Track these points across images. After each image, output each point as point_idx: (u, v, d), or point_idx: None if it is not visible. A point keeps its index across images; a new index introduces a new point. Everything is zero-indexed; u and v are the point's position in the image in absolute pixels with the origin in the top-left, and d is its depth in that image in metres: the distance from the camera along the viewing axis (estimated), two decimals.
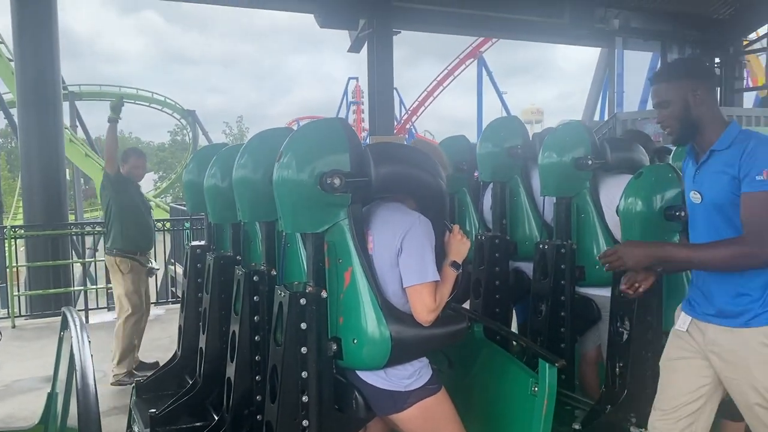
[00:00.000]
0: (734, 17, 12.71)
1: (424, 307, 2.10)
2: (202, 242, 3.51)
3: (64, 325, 2.53)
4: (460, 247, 2.26)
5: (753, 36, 13.99)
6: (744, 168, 2.09)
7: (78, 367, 1.97)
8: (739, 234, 2.11)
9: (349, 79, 42.84)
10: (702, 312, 2.26)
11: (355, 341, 2.11)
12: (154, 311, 7.71)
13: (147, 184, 47.11)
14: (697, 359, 2.26)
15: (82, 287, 8.33)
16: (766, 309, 2.13)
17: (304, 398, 2.14)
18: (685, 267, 2.42)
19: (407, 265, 2.11)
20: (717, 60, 13.22)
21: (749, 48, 14.15)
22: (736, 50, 13.25)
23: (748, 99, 15.63)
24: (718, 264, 2.15)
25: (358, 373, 2.19)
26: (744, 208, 2.09)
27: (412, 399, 2.17)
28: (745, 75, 15.07)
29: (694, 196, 2.27)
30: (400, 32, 10.62)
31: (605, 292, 2.97)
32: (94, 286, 10.17)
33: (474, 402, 2.62)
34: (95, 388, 1.89)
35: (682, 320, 2.33)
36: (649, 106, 16.85)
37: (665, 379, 2.36)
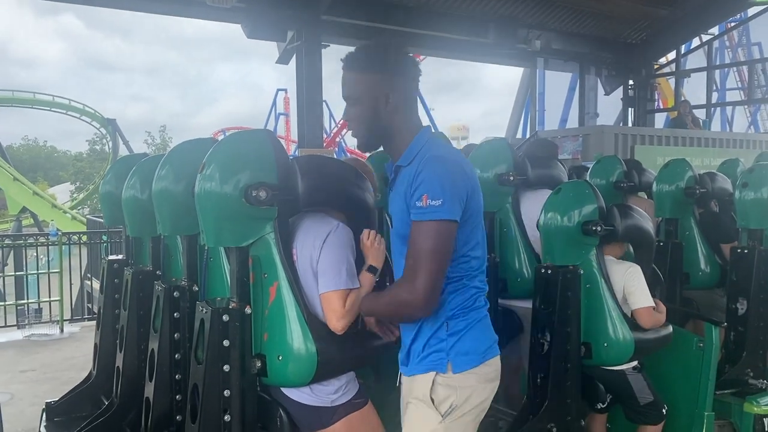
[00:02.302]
0: (646, 42, 13.45)
1: (333, 314, 2.07)
2: (120, 256, 3.38)
3: None
4: (375, 252, 2.23)
5: (663, 60, 14.86)
6: (411, 191, 1.79)
7: None
8: None
9: (278, 90, 42.41)
10: (401, 360, 2.02)
11: (281, 358, 2.08)
12: (68, 328, 7.37)
13: (63, 195, 45.13)
14: None
15: None
16: (432, 350, 1.86)
17: (227, 417, 2.08)
18: (377, 316, 2.14)
19: (323, 272, 2.10)
20: (631, 82, 13.93)
21: (660, 72, 15.00)
22: (648, 73, 13.98)
23: (660, 120, 16.55)
24: (384, 313, 1.94)
25: (283, 389, 2.15)
26: (408, 243, 1.79)
27: (338, 414, 2.15)
28: (657, 97, 15.95)
29: (388, 221, 2.00)
30: (329, 45, 10.63)
31: (527, 304, 3.05)
32: (3, 303, 9.59)
33: (400, 414, 2.61)
34: None
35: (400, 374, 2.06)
36: (569, 124, 17.53)
37: None
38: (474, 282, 1.88)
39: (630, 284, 2.79)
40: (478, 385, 1.86)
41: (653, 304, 2.80)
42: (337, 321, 2.07)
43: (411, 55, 1.92)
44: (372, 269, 2.19)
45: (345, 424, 2.15)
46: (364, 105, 1.87)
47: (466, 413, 1.85)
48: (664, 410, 2.86)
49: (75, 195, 44.82)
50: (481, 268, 1.90)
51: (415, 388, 1.87)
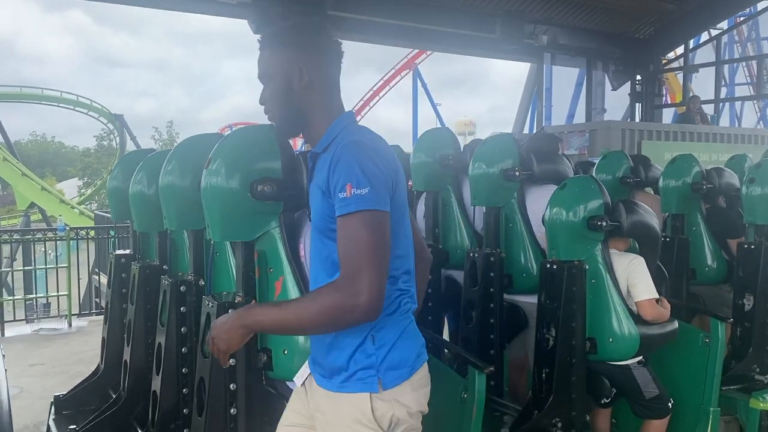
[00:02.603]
0: (653, 37, 13.37)
1: None
2: (127, 251, 3.40)
3: None
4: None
5: (671, 55, 14.77)
6: (332, 182, 1.59)
7: None
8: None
9: None
10: (312, 363, 1.82)
11: (286, 352, 2.09)
12: (76, 323, 7.42)
13: (71, 190, 45.37)
14: (305, 430, 1.84)
15: None
16: (359, 367, 1.67)
17: (233, 411, 2.10)
18: (289, 331, 1.88)
19: None
20: (638, 77, 13.85)
21: (667, 66, 14.91)
22: (656, 68, 13.89)
23: (668, 115, 16.46)
24: (312, 325, 1.61)
25: (288, 383, 2.16)
26: (337, 240, 1.58)
27: None
28: (664, 92, 15.85)
29: (308, 215, 1.82)
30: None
31: (532, 300, 3.05)
32: (11, 297, 9.67)
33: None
34: (9, 404, 1.81)
35: (302, 371, 1.89)
36: (576, 120, 17.46)
37: None
38: (397, 284, 1.69)
39: (633, 276, 2.79)
40: (412, 392, 1.72)
41: (656, 296, 2.79)
42: None
43: (334, 37, 1.78)
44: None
45: None
46: (277, 83, 1.74)
47: (408, 422, 1.72)
48: (669, 404, 2.86)
49: (83, 190, 45.09)
50: (404, 267, 1.72)
51: (349, 410, 1.68)
